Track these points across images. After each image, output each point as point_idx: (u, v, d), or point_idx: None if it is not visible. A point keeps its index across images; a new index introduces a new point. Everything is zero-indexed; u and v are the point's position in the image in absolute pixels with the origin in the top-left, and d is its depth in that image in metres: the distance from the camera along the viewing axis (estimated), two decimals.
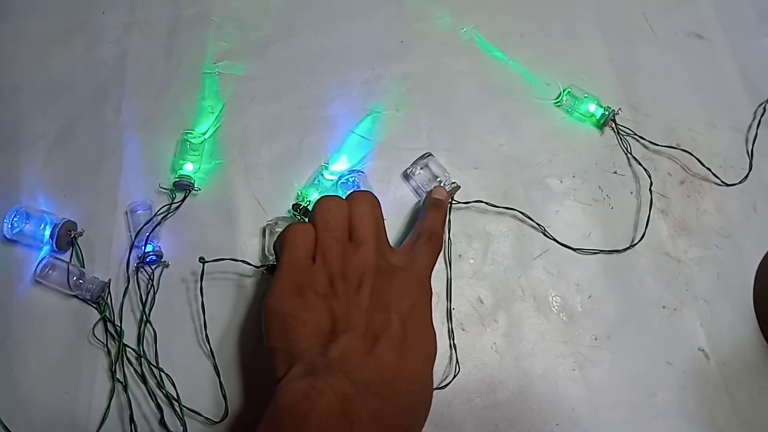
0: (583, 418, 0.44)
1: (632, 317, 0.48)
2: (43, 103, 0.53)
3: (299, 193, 0.49)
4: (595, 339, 0.47)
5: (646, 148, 0.53)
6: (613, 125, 0.53)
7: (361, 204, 0.41)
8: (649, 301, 0.48)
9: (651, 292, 0.48)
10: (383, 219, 0.42)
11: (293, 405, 0.32)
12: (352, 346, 0.35)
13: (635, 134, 0.53)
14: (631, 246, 0.50)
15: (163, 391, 0.43)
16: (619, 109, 0.53)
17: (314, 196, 0.49)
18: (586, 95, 0.53)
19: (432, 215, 0.45)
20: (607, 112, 0.52)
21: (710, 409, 0.45)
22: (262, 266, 0.46)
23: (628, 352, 0.46)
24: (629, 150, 0.53)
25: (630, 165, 0.53)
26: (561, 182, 0.52)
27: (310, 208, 0.48)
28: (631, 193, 0.52)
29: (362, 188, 0.48)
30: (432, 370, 0.37)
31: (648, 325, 0.47)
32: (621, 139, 0.53)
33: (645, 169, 0.51)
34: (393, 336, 0.35)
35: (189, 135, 0.51)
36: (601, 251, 0.49)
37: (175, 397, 0.43)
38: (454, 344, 0.45)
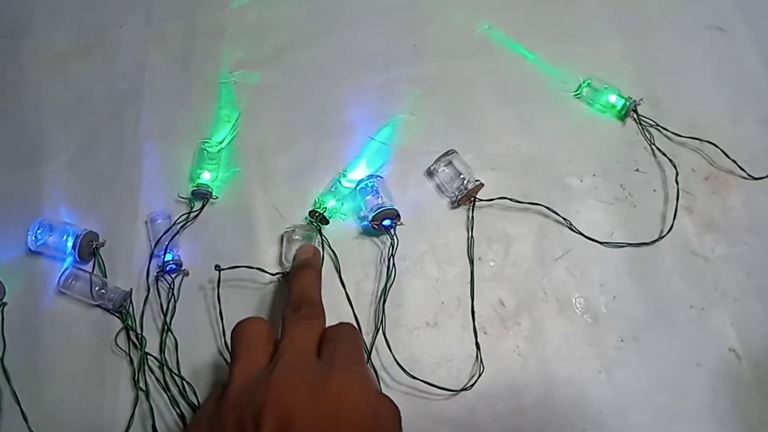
0: (610, 422, 0.43)
1: (659, 318, 0.46)
2: (65, 117, 0.54)
3: (317, 200, 0.49)
4: (621, 341, 0.46)
5: (670, 139, 0.52)
6: (635, 115, 0.52)
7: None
8: (676, 301, 0.47)
9: (678, 291, 0.47)
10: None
11: None
12: None
13: (657, 125, 0.52)
14: (660, 238, 0.48)
15: (186, 400, 0.43)
16: (641, 99, 0.52)
17: (331, 203, 0.49)
18: (606, 86, 0.53)
19: (302, 280, 0.41)
20: (628, 102, 0.52)
21: (743, 412, 0.43)
22: (277, 273, 0.46)
23: (656, 354, 0.45)
24: (652, 141, 0.52)
25: (654, 156, 0.51)
26: (581, 181, 0.51)
27: (326, 215, 0.48)
28: (654, 190, 0.50)
29: (381, 193, 0.48)
30: None
31: (676, 325, 0.46)
32: (643, 129, 0.52)
33: (670, 160, 0.50)
34: None
35: (206, 144, 0.51)
36: (629, 244, 0.48)
37: (197, 405, 0.43)
38: (478, 343, 0.45)
